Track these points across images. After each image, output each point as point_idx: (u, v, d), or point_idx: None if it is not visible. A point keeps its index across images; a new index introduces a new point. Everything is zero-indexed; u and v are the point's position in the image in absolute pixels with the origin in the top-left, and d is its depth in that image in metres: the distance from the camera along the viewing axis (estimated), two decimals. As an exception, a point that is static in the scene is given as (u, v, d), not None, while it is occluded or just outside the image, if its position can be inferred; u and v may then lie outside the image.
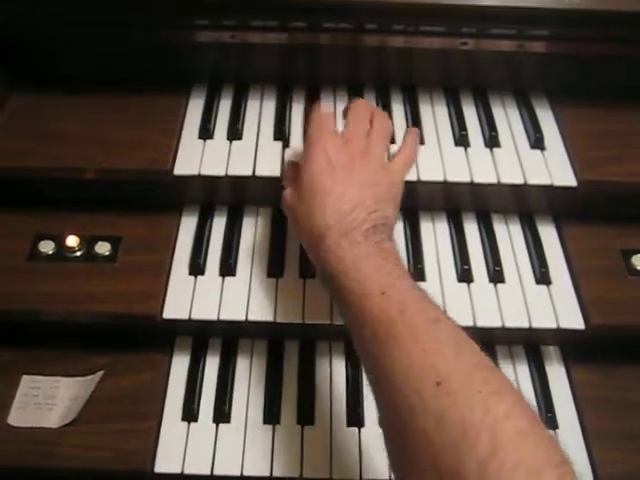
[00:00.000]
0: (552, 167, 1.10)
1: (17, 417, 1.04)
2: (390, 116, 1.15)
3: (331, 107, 1.19)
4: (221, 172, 1.08)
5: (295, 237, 0.96)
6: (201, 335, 1.14)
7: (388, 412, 0.75)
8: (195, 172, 1.08)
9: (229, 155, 1.10)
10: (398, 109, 1.19)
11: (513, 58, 1.15)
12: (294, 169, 0.97)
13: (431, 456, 0.66)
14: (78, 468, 1.00)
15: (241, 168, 1.09)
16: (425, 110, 1.18)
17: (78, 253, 1.09)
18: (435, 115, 1.18)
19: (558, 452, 0.64)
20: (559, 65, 1.15)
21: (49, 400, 1.06)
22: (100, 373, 1.08)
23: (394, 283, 0.80)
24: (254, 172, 1.08)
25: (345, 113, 1.02)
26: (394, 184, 0.95)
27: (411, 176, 1.07)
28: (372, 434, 1.03)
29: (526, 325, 1.03)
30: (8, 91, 1.17)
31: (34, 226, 1.12)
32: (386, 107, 1.18)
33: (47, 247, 1.09)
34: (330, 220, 0.86)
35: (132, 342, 1.11)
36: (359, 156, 0.93)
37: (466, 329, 1.00)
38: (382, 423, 0.76)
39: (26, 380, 1.08)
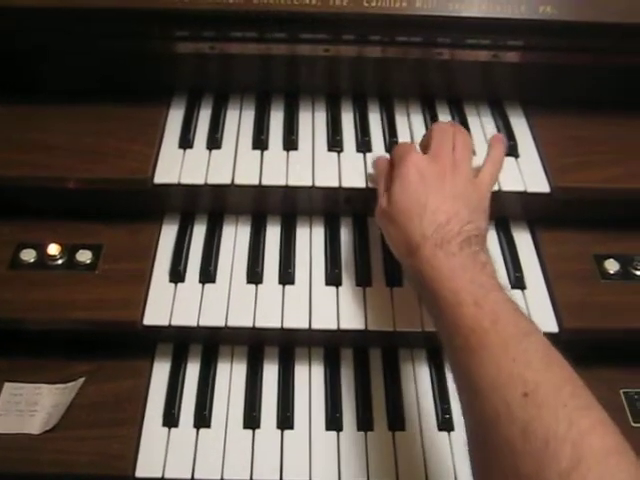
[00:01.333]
0: (526, 174, 1.12)
1: (-1, 424, 1.06)
2: (366, 124, 1.18)
3: (310, 117, 1.21)
4: (200, 181, 1.10)
5: (389, 246, 0.99)
6: (182, 342, 1.15)
7: (474, 420, 0.77)
8: (175, 181, 1.10)
9: (208, 164, 1.12)
10: (375, 118, 1.21)
11: (488, 68, 1.17)
12: (386, 182, 1.01)
13: (513, 464, 0.68)
14: (60, 473, 1.01)
15: (220, 177, 1.10)
16: (401, 120, 1.21)
17: (59, 261, 1.10)
18: (411, 124, 1.20)
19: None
20: (532, 74, 1.18)
21: (31, 407, 1.07)
22: (81, 380, 1.09)
23: (488, 295, 0.82)
24: (233, 180, 1.10)
25: (425, 139, 1.05)
26: (483, 196, 0.98)
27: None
28: (350, 438, 1.05)
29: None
30: (-10, 103, 1.19)
31: (15, 235, 1.13)
32: (363, 117, 1.20)
33: (28, 255, 1.10)
34: (427, 231, 0.89)
35: (114, 349, 1.11)
36: (449, 170, 0.96)
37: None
38: (467, 431, 0.79)
39: (8, 387, 1.09)
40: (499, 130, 1.19)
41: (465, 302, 0.81)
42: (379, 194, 1.01)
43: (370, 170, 1.11)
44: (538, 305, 1.08)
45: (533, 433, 0.67)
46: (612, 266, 1.12)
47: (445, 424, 1.07)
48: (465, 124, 1.18)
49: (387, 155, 1.11)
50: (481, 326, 0.78)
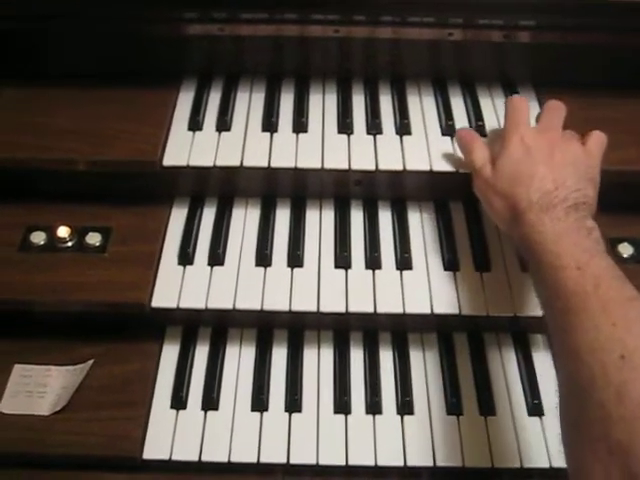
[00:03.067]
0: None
1: (9, 405, 1.05)
2: (376, 106, 1.17)
3: (320, 100, 1.20)
4: (209, 163, 1.09)
5: (489, 214, 1.02)
6: (191, 324, 1.15)
7: (569, 383, 0.76)
8: (184, 163, 1.09)
9: (218, 146, 1.12)
10: (386, 100, 1.20)
11: (500, 48, 1.16)
12: (487, 152, 1.03)
13: (605, 428, 0.67)
14: (68, 454, 1.01)
15: (229, 159, 1.10)
16: (413, 102, 1.19)
17: (69, 244, 1.10)
18: (423, 106, 1.19)
19: None
20: (545, 55, 1.17)
21: (40, 388, 1.07)
22: (90, 362, 1.09)
23: (591, 259, 0.82)
24: (242, 162, 1.09)
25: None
26: (592, 166, 0.99)
27: (397, 165, 1.09)
28: (358, 421, 1.04)
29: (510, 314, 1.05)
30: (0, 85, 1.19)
31: (25, 217, 1.14)
32: (373, 99, 1.19)
33: (38, 238, 1.10)
34: (533, 197, 0.91)
35: (123, 332, 1.12)
36: (557, 141, 0.99)
37: (452, 317, 1.04)
38: (560, 399, 0.78)
39: (18, 369, 1.09)
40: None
41: (568, 265, 0.81)
42: (478, 165, 1.02)
43: (380, 153, 1.11)
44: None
45: (628, 396, 0.66)
46: (626, 250, 1.11)
47: (454, 408, 1.06)
48: (477, 105, 1.17)
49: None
50: (583, 289, 0.78)
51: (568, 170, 0.95)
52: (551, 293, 0.83)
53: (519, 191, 0.93)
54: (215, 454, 1.01)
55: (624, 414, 0.65)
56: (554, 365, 0.82)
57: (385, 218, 1.16)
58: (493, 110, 1.18)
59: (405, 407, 1.06)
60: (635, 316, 0.75)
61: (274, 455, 1.01)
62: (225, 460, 1.01)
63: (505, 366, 1.11)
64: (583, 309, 0.77)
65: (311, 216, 1.16)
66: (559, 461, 0.99)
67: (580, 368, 0.73)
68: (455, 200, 1.19)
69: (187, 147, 1.11)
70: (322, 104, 1.20)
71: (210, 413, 1.05)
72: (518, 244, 0.95)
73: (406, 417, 1.05)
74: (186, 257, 1.09)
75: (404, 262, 1.09)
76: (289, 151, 1.11)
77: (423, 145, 1.12)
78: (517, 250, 1.04)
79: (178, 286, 1.06)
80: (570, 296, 0.79)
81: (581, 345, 0.74)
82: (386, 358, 1.11)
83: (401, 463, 1.00)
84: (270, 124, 1.15)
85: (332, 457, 1.01)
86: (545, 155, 0.96)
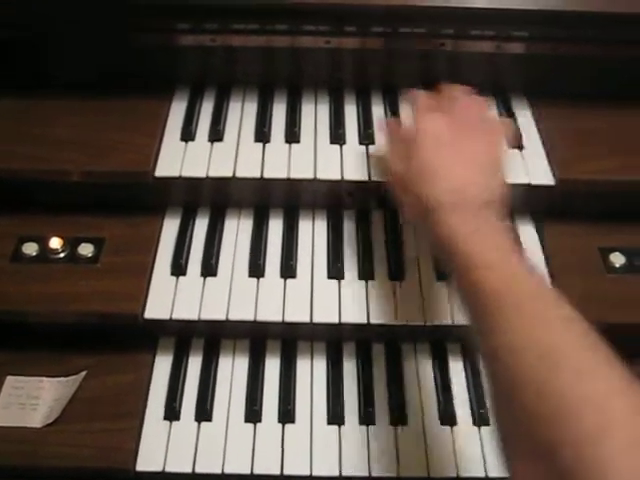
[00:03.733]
0: (530, 166, 1.11)
1: (1, 417, 1.05)
2: (369, 116, 1.17)
3: (312, 110, 1.21)
4: (202, 174, 1.09)
5: (405, 211, 0.98)
6: (184, 335, 1.15)
7: (493, 386, 0.74)
8: (176, 174, 1.09)
9: (210, 157, 1.11)
10: (378, 111, 1.20)
11: (492, 59, 1.16)
12: (402, 149, 0.98)
13: (529, 428, 0.65)
14: (61, 467, 1.01)
15: (222, 169, 1.10)
16: (405, 112, 1.19)
17: (61, 255, 1.10)
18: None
19: None
20: (537, 65, 1.17)
21: (33, 400, 1.07)
22: (83, 373, 1.09)
23: (503, 257, 0.80)
24: (234, 173, 1.09)
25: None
26: (501, 162, 0.97)
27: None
28: (351, 432, 1.04)
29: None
30: (-5, 96, 1.19)
31: (17, 228, 1.13)
32: (366, 109, 1.20)
33: (30, 249, 1.10)
34: (442, 197, 0.88)
35: (116, 343, 1.11)
36: (466, 132, 0.95)
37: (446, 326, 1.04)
38: (490, 399, 0.76)
39: (10, 381, 1.09)
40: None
41: (479, 266, 0.79)
42: (390, 160, 1.00)
43: (373, 162, 1.11)
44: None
45: (548, 395, 0.64)
46: (617, 259, 1.11)
47: (448, 418, 1.06)
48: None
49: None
50: (496, 289, 0.76)
51: (476, 167, 0.92)
52: (466, 294, 0.81)
53: (427, 189, 0.89)
54: (209, 466, 1.01)
55: (545, 413, 0.64)
56: (482, 363, 0.79)
57: (378, 228, 1.16)
58: (485, 120, 1.18)
59: (399, 418, 1.06)
60: (552, 313, 0.74)
61: (268, 466, 1.01)
62: (219, 472, 1.00)
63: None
64: (498, 310, 0.74)
65: (304, 227, 1.16)
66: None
67: (501, 370, 0.71)
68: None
69: (179, 157, 1.11)
70: (314, 114, 1.19)
71: (204, 424, 1.05)
72: (432, 243, 0.93)
73: (399, 427, 1.05)
74: (179, 268, 1.09)
75: (397, 273, 1.10)
76: (282, 162, 1.11)
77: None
78: (432, 250, 1.02)
79: (171, 297, 1.06)
80: (483, 297, 0.76)
81: (499, 347, 0.72)
82: (380, 368, 1.12)
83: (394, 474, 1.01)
84: (262, 134, 1.15)
85: (326, 468, 1.01)
86: (453, 151, 0.93)
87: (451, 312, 1.05)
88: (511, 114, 1.18)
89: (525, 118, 1.18)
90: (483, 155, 0.94)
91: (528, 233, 1.15)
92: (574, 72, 1.16)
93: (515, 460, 0.67)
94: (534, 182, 1.09)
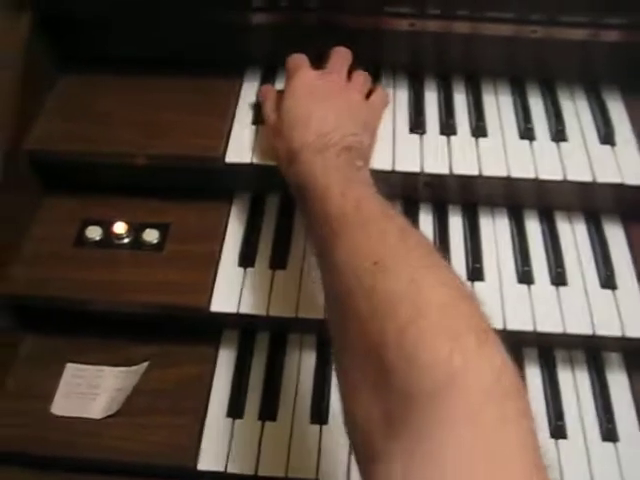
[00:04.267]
0: (622, 164, 1.04)
1: (60, 406, 1.02)
2: (451, 105, 1.11)
3: (390, 95, 1.14)
4: (275, 161, 1.04)
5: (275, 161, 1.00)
6: (249, 328, 1.10)
7: (330, 301, 0.78)
8: (247, 160, 1.04)
9: (283, 142, 1.06)
10: (460, 99, 1.13)
11: (584, 48, 1.08)
12: (275, 98, 1.04)
13: (360, 333, 0.67)
14: (119, 461, 0.98)
15: (295, 157, 1.05)
16: (489, 101, 1.12)
17: (125, 240, 1.06)
18: (499, 106, 1.12)
19: (483, 320, 0.65)
20: (634, 56, 1.09)
21: (93, 390, 1.04)
22: (145, 364, 1.05)
23: (356, 187, 0.83)
24: (308, 161, 1.04)
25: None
26: (373, 116, 1.04)
27: (472, 170, 1.03)
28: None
29: (589, 332, 0.98)
30: (58, 72, 1.14)
31: (81, 211, 1.10)
32: (448, 96, 1.13)
33: (94, 233, 1.06)
34: (308, 138, 0.91)
35: (179, 333, 1.07)
36: (338, 85, 1.01)
37: (525, 333, 0.99)
38: (328, 318, 0.78)
39: (70, 368, 1.06)
40: (594, 115, 1.10)
41: (333, 194, 0.82)
42: (266, 114, 1.04)
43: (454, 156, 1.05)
44: (630, 307, 1.00)
45: (377, 296, 0.67)
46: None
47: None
48: (557, 108, 1.10)
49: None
50: (344, 212, 0.79)
51: (345, 115, 0.96)
52: (318, 223, 0.83)
53: (296, 132, 0.93)
54: (272, 468, 0.97)
55: (374, 314, 0.66)
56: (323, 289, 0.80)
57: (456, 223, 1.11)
58: (575, 113, 1.10)
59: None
60: (391, 228, 0.76)
61: (333, 472, 0.96)
62: (282, 475, 0.96)
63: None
64: (343, 228, 0.77)
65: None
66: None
67: (338, 280, 0.74)
68: (529, 208, 1.12)
69: (251, 143, 1.06)
70: (393, 100, 1.13)
71: (268, 423, 1.01)
72: (291, 184, 0.94)
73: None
74: (247, 258, 1.05)
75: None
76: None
77: (500, 149, 1.06)
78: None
79: (238, 290, 1.02)
80: (333, 220, 0.79)
81: (339, 260, 0.75)
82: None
83: None
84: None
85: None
86: (324, 97, 0.97)
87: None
88: (603, 107, 1.10)
89: (618, 112, 1.10)
90: (354, 107, 0.99)
91: (616, 236, 1.08)
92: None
93: (349, 370, 0.69)
94: (627, 182, 1.02)
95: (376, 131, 1.03)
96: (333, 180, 0.84)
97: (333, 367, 0.76)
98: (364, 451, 0.64)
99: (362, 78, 1.06)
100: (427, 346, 0.60)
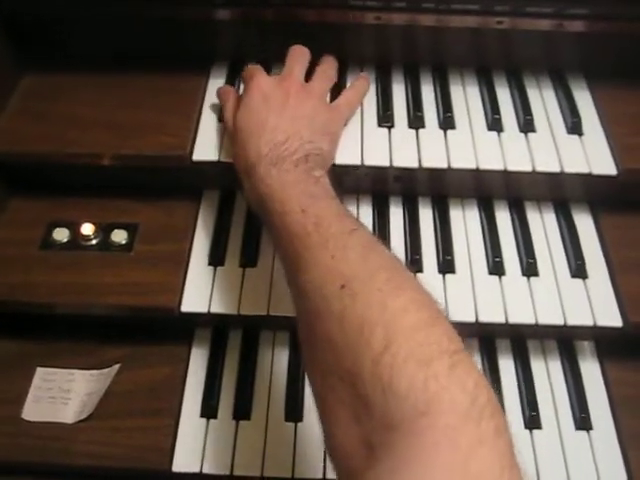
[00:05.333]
0: (590, 154, 1.03)
1: (31, 411, 1.01)
2: (419, 98, 1.10)
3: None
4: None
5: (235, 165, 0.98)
6: (221, 327, 1.10)
7: (300, 322, 0.76)
8: (215, 158, 1.03)
9: (250, 139, 1.05)
10: (428, 90, 1.12)
11: (551, 38, 1.08)
12: (235, 102, 1.02)
13: (333, 358, 0.67)
14: (93, 465, 0.97)
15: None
16: (456, 92, 1.12)
17: (93, 242, 1.05)
18: (467, 97, 1.11)
19: (454, 341, 0.65)
20: (599, 45, 1.09)
21: (64, 394, 1.02)
22: (116, 366, 1.04)
23: (315, 202, 0.82)
24: (275, 157, 1.03)
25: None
26: (333, 120, 1.00)
27: (441, 163, 1.03)
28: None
29: (561, 322, 0.98)
30: (20, 72, 1.12)
31: (47, 213, 1.08)
32: (415, 89, 1.12)
33: (61, 235, 1.05)
34: (263, 149, 0.90)
35: (150, 334, 1.07)
36: (295, 91, 0.98)
37: (497, 325, 0.99)
38: (299, 339, 0.77)
39: (40, 373, 1.04)
40: (561, 105, 1.10)
41: (292, 210, 0.81)
42: (225, 119, 1.02)
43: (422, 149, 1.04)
44: (601, 296, 1.01)
45: (349, 323, 0.67)
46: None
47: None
48: (525, 99, 1.10)
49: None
50: (305, 230, 0.79)
51: (302, 122, 0.94)
52: (280, 241, 0.83)
53: (250, 144, 0.92)
54: (247, 468, 0.97)
55: (347, 341, 0.66)
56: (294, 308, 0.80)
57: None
58: (542, 102, 1.10)
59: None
60: (352, 246, 0.75)
61: (310, 470, 0.96)
62: (258, 474, 0.96)
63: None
64: (306, 248, 0.77)
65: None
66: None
67: (306, 305, 0.74)
68: (498, 199, 1.12)
69: (218, 140, 1.05)
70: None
71: (242, 422, 1.00)
72: (248, 196, 0.93)
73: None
74: (217, 257, 1.04)
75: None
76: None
77: (469, 141, 1.05)
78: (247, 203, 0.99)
79: (209, 289, 1.01)
80: (294, 238, 0.79)
81: (306, 282, 0.75)
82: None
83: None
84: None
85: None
86: (279, 105, 0.95)
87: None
88: (570, 97, 1.10)
89: (585, 102, 1.10)
90: (312, 113, 0.97)
91: (586, 225, 1.09)
92: (638, 53, 1.08)
93: (323, 392, 0.69)
94: (595, 171, 1.02)
95: (338, 135, 1.01)
96: (292, 196, 0.83)
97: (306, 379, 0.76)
98: (346, 474, 0.65)
99: (323, 77, 1.05)
100: (402, 375, 0.61)
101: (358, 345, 0.65)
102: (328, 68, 1.07)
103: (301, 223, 0.79)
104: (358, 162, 1.03)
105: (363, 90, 1.09)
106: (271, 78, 1.00)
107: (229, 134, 1.00)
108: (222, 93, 1.07)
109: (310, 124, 0.94)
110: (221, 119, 1.07)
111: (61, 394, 1.02)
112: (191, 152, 1.03)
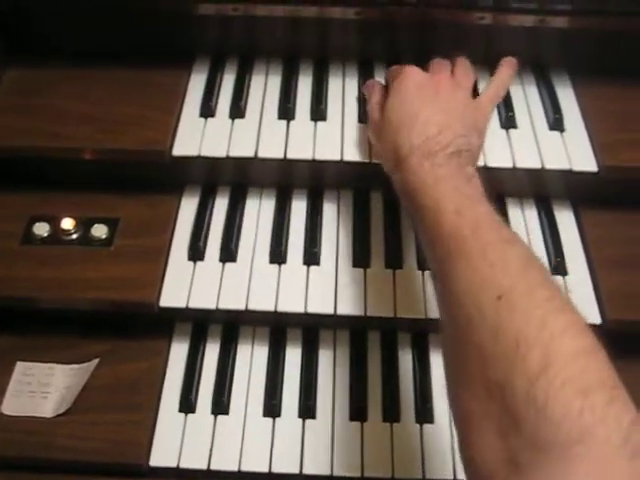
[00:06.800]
0: (572, 151, 1.03)
1: (11, 405, 1.01)
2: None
3: (339, 85, 1.13)
4: (222, 153, 1.03)
5: (378, 159, 0.99)
6: (201, 321, 1.09)
7: (448, 327, 0.75)
8: (195, 153, 1.03)
9: (231, 135, 1.05)
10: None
11: (533, 34, 1.08)
12: (381, 94, 1.01)
13: (482, 369, 0.66)
14: (71, 460, 0.97)
15: (243, 149, 1.04)
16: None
17: (74, 236, 1.05)
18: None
19: (612, 375, 0.63)
20: (582, 41, 1.08)
21: (43, 388, 1.02)
22: (96, 361, 1.04)
23: (470, 204, 0.81)
24: (256, 153, 1.03)
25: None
26: (481, 115, 0.98)
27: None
28: (374, 429, 0.99)
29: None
30: (3, 67, 1.12)
31: (28, 208, 1.08)
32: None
33: (42, 230, 1.05)
34: (415, 142, 0.88)
35: (130, 328, 1.07)
36: (445, 84, 0.97)
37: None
38: (442, 342, 0.78)
39: (20, 367, 1.05)
40: (543, 101, 1.10)
41: (446, 210, 0.80)
42: (370, 109, 1.02)
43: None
44: (580, 293, 1.00)
45: (504, 336, 0.66)
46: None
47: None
48: (507, 94, 1.09)
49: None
50: (461, 233, 0.77)
51: (454, 115, 0.92)
52: (430, 239, 0.82)
53: (402, 135, 0.90)
54: (224, 462, 0.97)
55: (500, 354, 0.65)
56: (438, 308, 0.79)
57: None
58: (524, 99, 1.10)
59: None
60: (512, 257, 0.74)
61: (286, 464, 0.97)
62: (235, 469, 0.96)
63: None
64: (461, 252, 0.75)
65: (329, 210, 1.10)
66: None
67: (458, 311, 0.73)
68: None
69: (199, 135, 1.05)
70: (342, 90, 1.12)
71: (220, 417, 1.00)
72: (399, 189, 0.91)
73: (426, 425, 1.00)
74: (196, 252, 1.04)
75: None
76: (306, 141, 1.05)
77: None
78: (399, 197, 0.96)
79: (188, 284, 1.01)
80: (448, 240, 0.77)
81: (459, 288, 0.74)
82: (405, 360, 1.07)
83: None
84: (286, 111, 1.08)
85: (347, 467, 0.96)
86: (431, 98, 0.94)
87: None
88: (552, 93, 1.10)
89: (567, 98, 1.10)
90: (462, 107, 0.95)
91: (566, 221, 1.08)
92: (624, 49, 1.07)
93: (468, 400, 0.68)
94: (576, 168, 1.02)
95: (485, 131, 0.98)
96: (445, 193, 0.81)
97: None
98: None
99: (467, 72, 1.03)
100: (558, 399, 0.60)
101: (512, 360, 0.64)
102: (468, 66, 1.05)
103: (456, 225, 0.78)
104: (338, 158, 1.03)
105: (508, 80, 1.06)
106: (423, 73, 0.98)
107: (374, 126, 0.99)
108: (368, 86, 1.07)
109: (461, 118, 0.93)
110: (203, 114, 1.08)
111: (41, 388, 1.03)
112: (171, 147, 1.03)
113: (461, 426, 0.70)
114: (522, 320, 0.66)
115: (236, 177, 1.12)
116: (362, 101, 1.09)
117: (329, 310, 0.99)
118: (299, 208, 1.10)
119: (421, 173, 0.85)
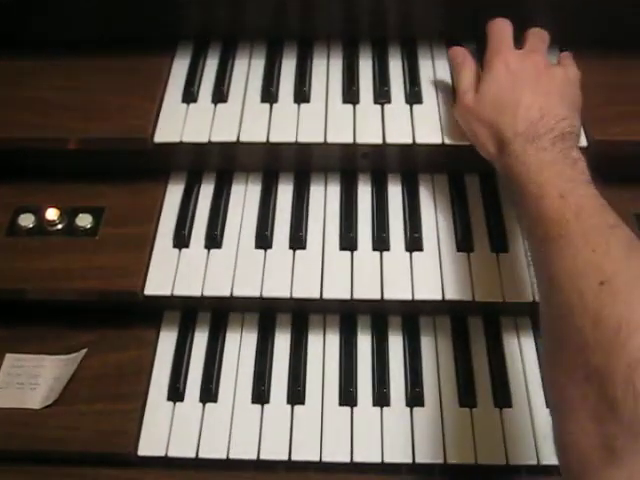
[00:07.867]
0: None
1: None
2: (385, 72, 1.08)
3: (324, 66, 1.11)
4: (204, 138, 1.02)
5: (471, 142, 0.97)
6: (189, 309, 1.09)
7: (548, 311, 0.76)
8: (177, 139, 1.02)
9: (213, 120, 1.04)
10: (396, 65, 1.11)
11: (524, 5, 1.06)
12: (474, 77, 0.99)
13: (582, 354, 0.66)
14: (60, 450, 0.97)
15: (225, 134, 1.02)
16: (425, 66, 1.10)
17: (59, 226, 1.05)
18: (435, 71, 1.10)
19: None
20: (568, 10, 1.06)
21: (32, 380, 1.02)
22: (83, 351, 1.04)
23: (574, 188, 0.80)
24: (239, 138, 1.02)
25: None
26: (577, 94, 0.97)
27: (347, 138, 1.02)
28: (364, 414, 0.98)
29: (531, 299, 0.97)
30: (-19, 56, 1.12)
31: (13, 199, 1.08)
32: (382, 64, 1.10)
33: (27, 221, 1.05)
34: (519, 127, 0.88)
35: (119, 318, 1.07)
36: (543, 66, 0.96)
37: (465, 303, 0.97)
38: (541, 324, 0.78)
39: (9, 359, 1.05)
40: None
41: (550, 194, 0.80)
42: (462, 90, 0.99)
43: (387, 124, 1.02)
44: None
45: (605, 322, 0.66)
46: (654, 226, 1.02)
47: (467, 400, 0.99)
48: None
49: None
50: (563, 217, 0.77)
51: (555, 98, 0.91)
52: (533, 222, 0.82)
53: (504, 120, 0.90)
54: (213, 450, 0.96)
55: (601, 339, 0.65)
56: (538, 290, 0.80)
57: (395, 193, 1.08)
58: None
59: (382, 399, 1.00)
60: (615, 242, 0.73)
61: (275, 451, 0.96)
62: (223, 457, 0.95)
63: (523, 353, 1.04)
64: (563, 236, 0.76)
65: (315, 193, 1.09)
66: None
67: (559, 295, 0.73)
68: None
69: (181, 121, 1.04)
70: (326, 71, 1.10)
71: (208, 405, 1.00)
72: (502, 174, 0.92)
73: (415, 409, 0.99)
74: (181, 239, 1.03)
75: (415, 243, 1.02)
76: (290, 124, 1.03)
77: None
78: (500, 179, 0.98)
79: (173, 272, 1.00)
80: (551, 224, 0.78)
81: (560, 272, 0.74)
82: (396, 345, 1.05)
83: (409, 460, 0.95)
84: (269, 94, 1.06)
85: (336, 453, 0.96)
86: (531, 81, 0.93)
87: (472, 286, 0.98)
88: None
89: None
90: (562, 88, 0.94)
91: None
92: (612, 17, 1.06)
93: (565, 385, 0.68)
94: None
95: (580, 110, 0.96)
96: (549, 178, 0.81)
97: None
98: (578, 472, 0.65)
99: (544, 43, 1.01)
100: None
101: (612, 345, 0.64)
102: (545, 37, 1.03)
103: (559, 209, 0.78)
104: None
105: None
106: (518, 53, 0.97)
107: (467, 110, 0.96)
108: (460, 57, 1.04)
109: (562, 100, 0.92)
110: (185, 100, 1.06)
111: (30, 380, 1.02)
112: (153, 134, 1.02)
113: (557, 411, 0.70)
114: (624, 306, 0.66)
115: (222, 163, 1.11)
116: (346, 81, 1.08)
117: (315, 295, 0.97)
118: (285, 192, 1.09)
119: (525, 158, 0.85)
